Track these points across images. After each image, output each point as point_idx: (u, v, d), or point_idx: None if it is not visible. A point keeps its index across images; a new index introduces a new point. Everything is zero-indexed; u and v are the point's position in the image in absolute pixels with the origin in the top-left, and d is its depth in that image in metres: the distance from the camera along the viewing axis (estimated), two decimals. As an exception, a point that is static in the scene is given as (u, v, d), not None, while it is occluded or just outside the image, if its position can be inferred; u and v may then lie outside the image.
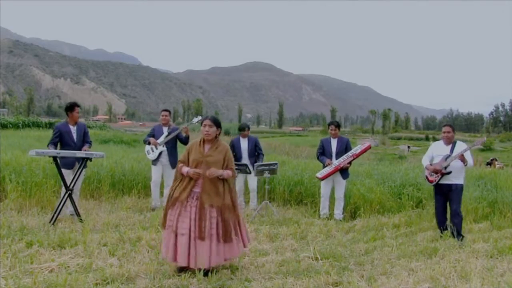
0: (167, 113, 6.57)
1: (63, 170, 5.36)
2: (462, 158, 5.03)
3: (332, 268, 3.79)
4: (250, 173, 6.53)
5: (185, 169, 3.56)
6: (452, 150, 5.18)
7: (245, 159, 6.63)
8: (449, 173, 5.11)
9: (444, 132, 5.31)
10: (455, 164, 5.08)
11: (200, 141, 3.64)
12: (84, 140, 5.62)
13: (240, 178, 6.65)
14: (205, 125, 3.58)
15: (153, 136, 6.46)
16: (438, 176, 5.17)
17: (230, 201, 3.55)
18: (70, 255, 3.76)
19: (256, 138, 6.93)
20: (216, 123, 3.61)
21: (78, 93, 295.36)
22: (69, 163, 5.42)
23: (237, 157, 6.67)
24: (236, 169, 6.41)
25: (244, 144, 6.71)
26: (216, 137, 3.63)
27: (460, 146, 5.20)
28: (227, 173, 3.56)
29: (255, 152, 6.73)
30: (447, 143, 5.30)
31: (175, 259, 3.44)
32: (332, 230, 5.39)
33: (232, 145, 6.74)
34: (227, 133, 55.59)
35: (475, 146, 5.61)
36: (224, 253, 3.49)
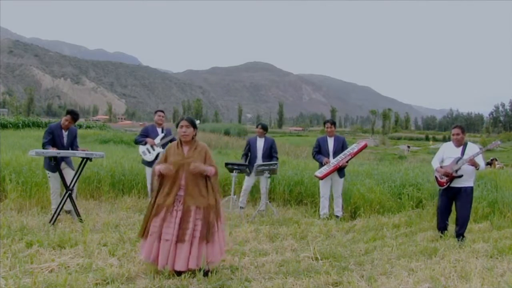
0: (163, 113, 6.52)
1: (50, 173, 5.38)
2: (473, 163, 4.88)
3: (332, 268, 3.78)
4: (249, 174, 6.54)
5: (157, 167, 3.46)
6: (463, 153, 5.02)
7: (259, 159, 6.59)
8: (460, 176, 4.98)
9: (454, 134, 5.11)
10: (466, 167, 4.95)
11: (177, 144, 3.57)
12: (72, 144, 5.61)
13: (250, 178, 6.63)
14: (182, 126, 3.50)
15: (147, 136, 6.37)
16: (449, 179, 5.05)
17: (214, 202, 3.48)
18: (70, 255, 3.76)
19: (273, 140, 6.88)
20: (193, 123, 3.55)
21: (78, 93, 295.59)
22: (53, 166, 5.28)
23: (252, 156, 6.66)
24: (236, 169, 6.45)
25: (260, 143, 6.70)
26: (193, 138, 3.56)
27: (471, 148, 5.04)
28: (210, 169, 3.48)
29: (270, 154, 6.69)
30: (457, 145, 5.12)
31: (156, 261, 3.38)
32: (332, 230, 5.39)
33: (249, 143, 6.77)
34: (227, 133, 55.57)
35: (488, 149, 5.45)
36: (206, 255, 3.41)
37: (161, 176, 3.49)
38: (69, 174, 5.42)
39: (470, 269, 3.75)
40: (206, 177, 3.52)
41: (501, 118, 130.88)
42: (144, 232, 3.48)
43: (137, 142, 6.47)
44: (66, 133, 5.53)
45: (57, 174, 5.33)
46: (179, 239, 3.34)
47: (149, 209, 3.52)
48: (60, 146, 5.43)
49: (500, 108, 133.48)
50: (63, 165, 5.44)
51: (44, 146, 5.35)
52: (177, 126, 3.58)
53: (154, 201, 3.49)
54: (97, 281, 3.19)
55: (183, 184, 3.47)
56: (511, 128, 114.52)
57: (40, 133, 21.31)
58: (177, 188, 3.45)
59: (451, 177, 5.03)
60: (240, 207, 6.60)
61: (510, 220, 6.16)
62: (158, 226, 3.41)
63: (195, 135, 3.59)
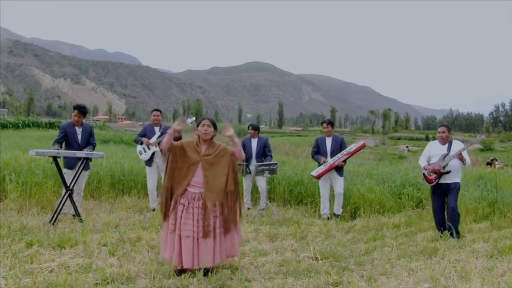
0: (158, 113, 6.49)
1: (66, 170, 5.40)
2: (460, 157, 5.06)
3: (332, 268, 3.78)
4: (250, 173, 6.55)
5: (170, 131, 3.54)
6: (449, 149, 5.21)
7: (253, 159, 6.68)
8: (448, 172, 5.13)
9: (439, 132, 5.35)
10: (453, 163, 5.11)
11: (196, 142, 3.63)
12: (88, 141, 5.64)
13: (248, 178, 6.67)
14: (203, 125, 3.59)
15: (144, 135, 6.38)
16: (437, 176, 5.19)
17: (232, 187, 3.58)
18: (70, 255, 3.76)
19: (267, 139, 6.97)
20: (214, 124, 3.65)
21: (78, 93, 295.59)
22: (71, 164, 5.46)
23: (247, 157, 6.73)
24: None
25: (253, 143, 6.80)
26: (212, 138, 3.64)
27: (457, 145, 5.24)
28: (239, 148, 3.56)
29: (264, 153, 6.76)
30: (443, 143, 5.33)
31: (180, 262, 3.43)
32: (332, 230, 5.39)
33: (243, 144, 6.84)
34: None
35: (473, 144, 5.59)
36: (226, 249, 3.54)
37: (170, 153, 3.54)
38: (82, 176, 5.50)
39: (470, 269, 3.74)
40: (228, 167, 3.58)
41: (501, 118, 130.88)
42: (166, 214, 3.54)
43: (136, 142, 6.53)
44: (80, 129, 5.56)
45: (72, 172, 5.38)
46: (204, 234, 3.40)
47: (165, 189, 3.56)
48: (75, 144, 5.47)
49: (500, 108, 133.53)
50: (78, 165, 5.46)
51: (53, 144, 5.40)
52: (197, 126, 3.64)
53: (169, 186, 3.56)
54: (97, 281, 3.19)
55: (196, 181, 3.51)
56: (511, 128, 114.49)
57: (40, 133, 21.35)
58: (187, 182, 3.50)
59: (439, 174, 5.16)
60: (247, 208, 6.70)
61: (510, 220, 6.15)
62: (171, 220, 3.49)
63: (215, 135, 3.67)
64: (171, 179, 3.55)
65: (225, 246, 3.53)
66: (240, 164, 6.51)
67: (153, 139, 6.29)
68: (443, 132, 5.30)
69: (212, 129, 3.60)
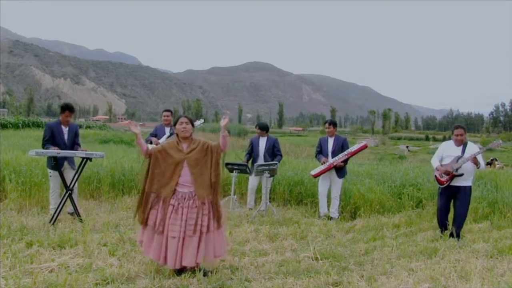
0: (169, 113, 6.54)
1: (51, 172, 5.33)
2: (475, 161, 4.93)
3: (332, 268, 3.79)
4: (250, 173, 6.55)
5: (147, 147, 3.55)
6: (463, 151, 5.07)
7: (261, 159, 6.63)
8: (460, 175, 5.02)
9: (457, 135, 5.15)
10: (466, 166, 5.00)
11: (176, 141, 3.60)
12: (74, 141, 5.55)
13: (253, 178, 6.65)
14: (181, 122, 3.56)
15: (155, 136, 6.45)
16: (449, 177, 5.08)
17: (214, 178, 3.52)
18: (70, 255, 3.76)
19: (276, 139, 6.92)
20: (191, 121, 3.63)
21: (78, 93, 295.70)
22: (55, 165, 5.30)
23: (254, 155, 6.70)
24: (236, 169, 6.46)
25: (262, 142, 6.74)
26: (190, 135, 3.61)
27: (472, 148, 5.09)
28: (227, 141, 3.53)
29: (273, 153, 6.72)
30: (458, 145, 5.18)
31: (165, 261, 3.41)
32: (332, 230, 5.39)
33: (251, 143, 6.80)
34: (227, 133, 55.43)
35: (489, 148, 5.43)
36: (213, 248, 3.47)
37: (151, 158, 3.53)
38: (70, 174, 5.39)
39: (470, 269, 3.75)
40: (211, 159, 3.54)
41: (501, 118, 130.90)
42: (145, 221, 3.51)
43: (146, 141, 6.57)
44: (67, 129, 5.48)
45: (56, 173, 5.32)
46: (188, 233, 3.36)
47: (141, 196, 3.55)
48: (61, 143, 5.37)
49: (500, 108, 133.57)
50: (65, 165, 5.43)
51: (44, 145, 5.31)
52: (175, 124, 3.62)
53: (144, 188, 3.53)
54: (97, 281, 3.19)
55: (184, 180, 3.48)
56: (511, 128, 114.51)
57: (40, 133, 21.28)
58: (175, 183, 3.48)
59: (452, 176, 5.06)
60: (249, 208, 6.63)
61: (510, 220, 6.16)
62: (159, 221, 3.43)
63: (193, 132, 3.64)
64: (152, 184, 3.50)
65: (211, 245, 3.46)
66: (246, 166, 6.50)
67: (163, 139, 6.34)
68: (461, 134, 5.12)
69: (190, 126, 3.58)
